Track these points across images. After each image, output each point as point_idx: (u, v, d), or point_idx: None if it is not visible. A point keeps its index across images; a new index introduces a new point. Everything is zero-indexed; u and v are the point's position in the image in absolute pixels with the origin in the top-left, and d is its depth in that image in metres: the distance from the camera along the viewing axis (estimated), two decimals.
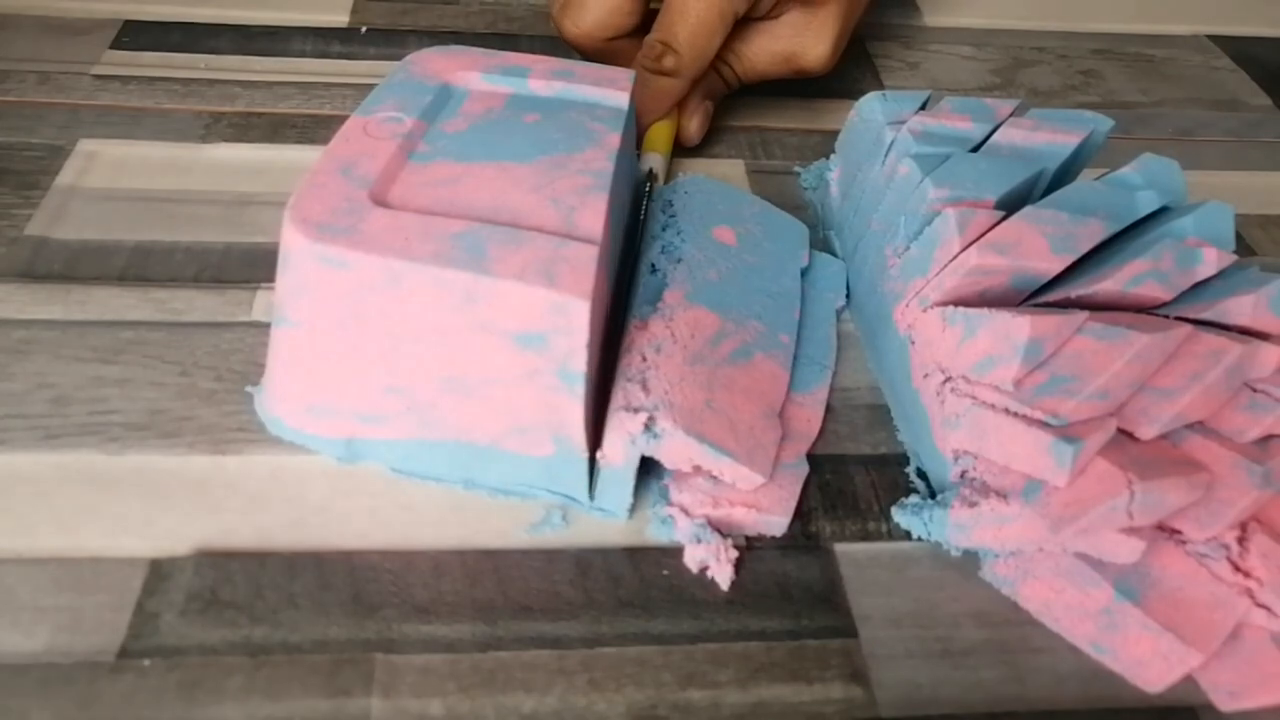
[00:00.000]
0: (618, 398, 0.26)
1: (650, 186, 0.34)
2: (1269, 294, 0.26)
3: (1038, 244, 0.27)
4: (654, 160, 0.37)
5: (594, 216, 0.26)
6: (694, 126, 0.39)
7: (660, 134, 0.38)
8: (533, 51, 0.33)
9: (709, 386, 0.27)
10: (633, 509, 0.27)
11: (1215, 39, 0.53)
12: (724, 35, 0.36)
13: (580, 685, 0.24)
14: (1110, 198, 0.29)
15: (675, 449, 0.26)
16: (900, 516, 0.28)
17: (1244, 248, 0.39)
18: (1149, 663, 0.24)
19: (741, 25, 0.38)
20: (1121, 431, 0.26)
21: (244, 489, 0.27)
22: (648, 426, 0.26)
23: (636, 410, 0.26)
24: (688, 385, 0.27)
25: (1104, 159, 0.34)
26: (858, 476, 0.29)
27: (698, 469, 0.27)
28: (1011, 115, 0.33)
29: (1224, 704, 0.24)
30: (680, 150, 0.40)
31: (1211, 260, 0.27)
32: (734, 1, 0.35)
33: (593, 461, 0.26)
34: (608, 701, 0.23)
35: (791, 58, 0.39)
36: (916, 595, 0.26)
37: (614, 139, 0.30)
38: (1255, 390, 0.26)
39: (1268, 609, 0.24)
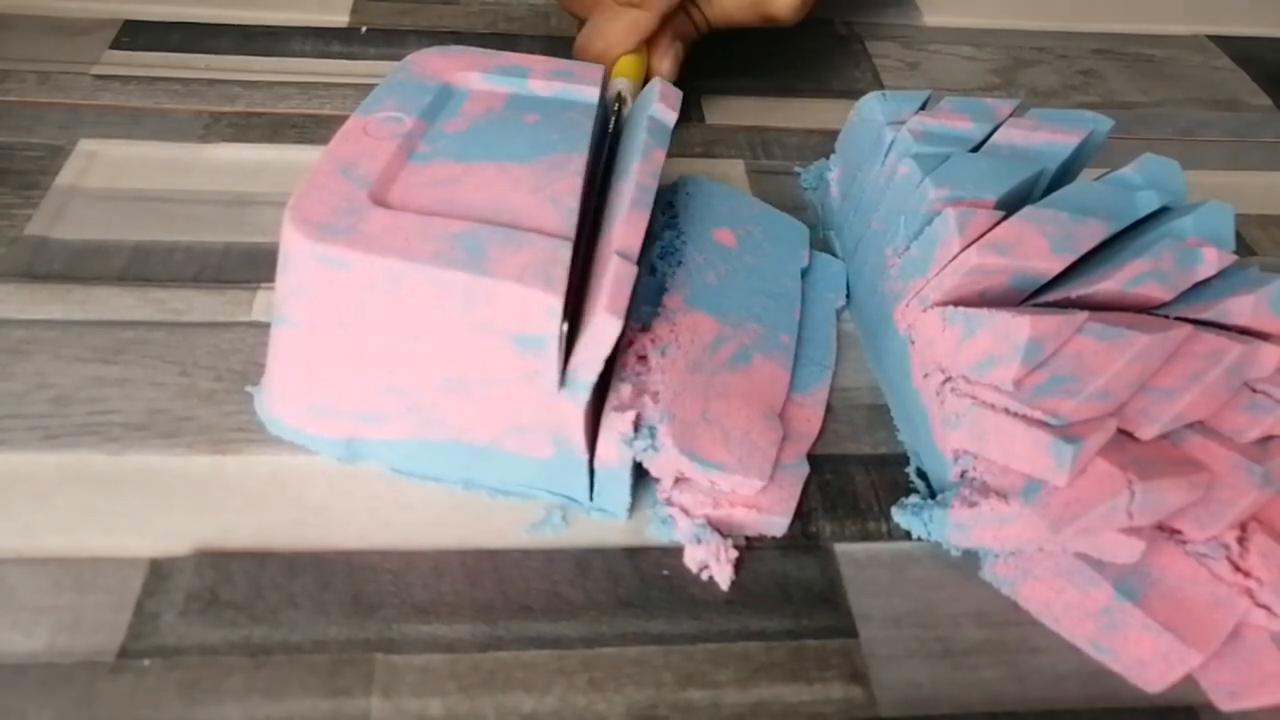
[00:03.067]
0: (611, 399, 0.26)
1: (618, 109, 0.34)
2: (1269, 294, 0.26)
3: (1038, 244, 0.27)
4: (622, 84, 0.35)
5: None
6: (665, 67, 0.39)
7: (629, 65, 0.37)
8: (533, 51, 0.33)
9: (705, 396, 0.27)
10: (633, 509, 0.27)
11: (1215, 39, 0.53)
12: None
13: (580, 685, 0.24)
14: (1110, 198, 0.29)
15: (667, 463, 0.26)
16: (900, 516, 0.28)
17: (1244, 248, 0.39)
18: (1149, 663, 0.24)
19: None
20: (1121, 431, 0.26)
21: (244, 489, 0.27)
22: (639, 428, 0.26)
23: (626, 410, 0.26)
24: (686, 396, 0.27)
25: (1104, 159, 0.34)
26: (858, 476, 0.29)
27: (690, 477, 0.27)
28: (1011, 115, 0.33)
29: (1224, 704, 0.24)
30: (681, 150, 0.40)
31: (1211, 260, 0.27)
32: None
33: (592, 464, 0.26)
34: (608, 701, 0.23)
35: (760, 3, 0.38)
36: (916, 595, 0.26)
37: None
38: (1255, 390, 0.26)
39: (1268, 609, 0.24)
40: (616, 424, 0.26)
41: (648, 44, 0.38)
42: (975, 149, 0.31)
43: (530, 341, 0.25)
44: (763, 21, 0.39)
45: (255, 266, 0.33)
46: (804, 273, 0.33)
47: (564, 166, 0.28)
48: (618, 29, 0.37)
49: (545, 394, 0.25)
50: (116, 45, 0.43)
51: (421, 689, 0.23)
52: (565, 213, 0.26)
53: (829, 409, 0.30)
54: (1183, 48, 0.52)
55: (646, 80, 0.38)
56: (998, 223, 0.27)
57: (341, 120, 0.29)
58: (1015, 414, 0.25)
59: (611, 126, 0.33)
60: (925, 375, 0.28)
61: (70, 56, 0.42)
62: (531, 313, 0.24)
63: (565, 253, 0.25)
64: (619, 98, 0.35)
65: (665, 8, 0.37)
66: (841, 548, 0.27)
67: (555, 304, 0.24)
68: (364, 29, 0.46)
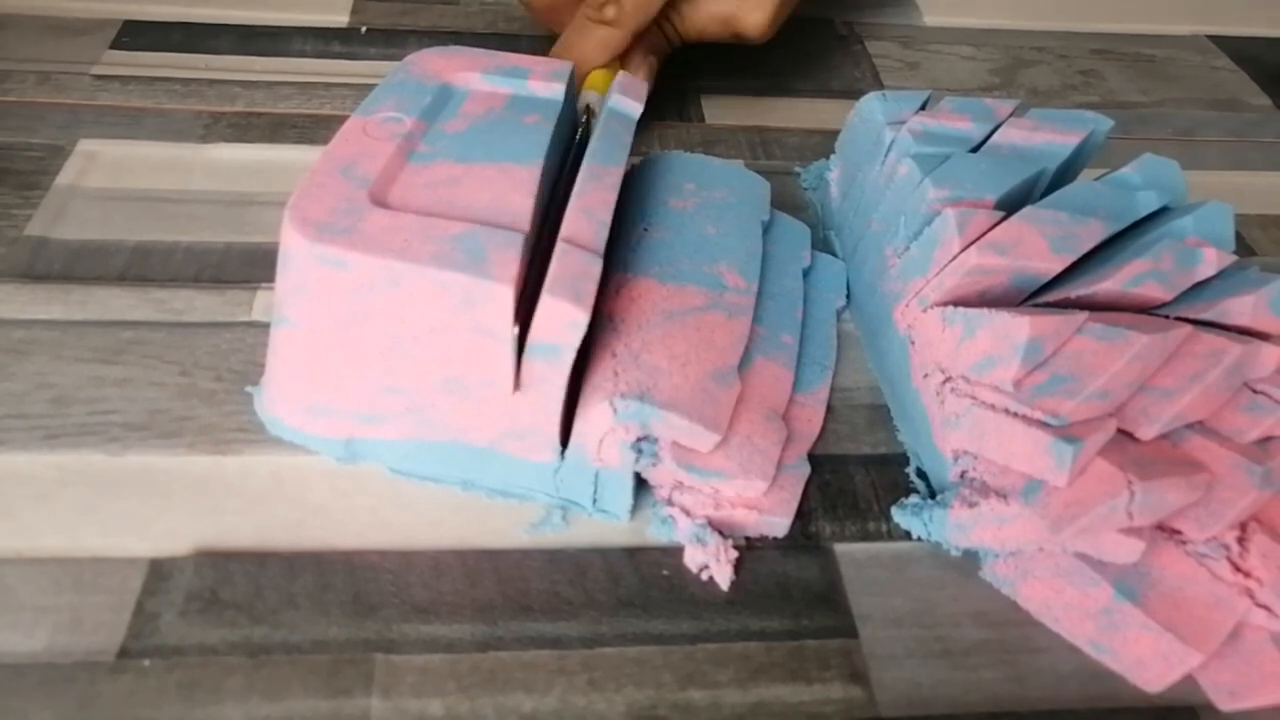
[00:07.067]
0: (615, 406, 0.26)
1: (586, 122, 0.34)
2: (1269, 294, 0.26)
3: (1038, 244, 0.27)
4: (591, 97, 0.35)
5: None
6: None
7: (600, 79, 0.37)
8: (533, 52, 0.33)
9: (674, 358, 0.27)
10: (633, 509, 0.27)
11: (1215, 39, 0.53)
12: None
13: (580, 685, 0.24)
14: (1110, 198, 0.29)
15: (665, 474, 0.26)
16: (900, 516, 0.28)
17: (1244, 248, 0.39)
18: (1149, 663, 0.24)
19: None
20: (1121, 431, 0.26)
21: (244, 489, 0.27)
22: (644, 443, 0.26)
23: (630, 419, 0.26)
24: (669, 378, 0.27)
25: (1104, 159, 0.34)
26: (858, 476, 0.29)
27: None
28: (1011, 115, 0.33)
29: (1224, 704, 0.24)
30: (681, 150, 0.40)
31: (1211, 260, 0.27)
32: None
33: (566, 442, 0.26)
34: (608, 701, 0.23)
35: (730, 20, 0.39)
36: (916, 595, 0.26)
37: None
38: (1255, 391, 0.26)
39: (1268, 609, 0.24)
40: (619, 433, 0.26)
41: (620, 59, 0.39)
42: (975, 149, 0.31)
43: (528, 344, 0.25)
44: (733, 37, 0.40)
45: (255, 266, 0.33)
46: (805, 273, 0.33)
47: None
48: (589, 45, 0.37)
49: (545, 398, 0.25)
50: (116, 45, 0.43)
51: (421, 689, 0.23)
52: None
53: (829, 409, 0.30)
54: (1183, 48, 0.52)
55: None
56: (998, 223, 0.27)
57: (341, 120, 0.29)
58: (1015, 414, 0.25)
59: (579, 137, 0.33)
60: (925, 375, 0.28)
61: (70, 56, 0.42)
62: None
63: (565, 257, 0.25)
64: (587, 109, 0.35)
65: (637, 26, 0.37)
66: (841, 548, 0.27)
67: (553, 307, 0.24)
68: (364, 29, 0.46)
